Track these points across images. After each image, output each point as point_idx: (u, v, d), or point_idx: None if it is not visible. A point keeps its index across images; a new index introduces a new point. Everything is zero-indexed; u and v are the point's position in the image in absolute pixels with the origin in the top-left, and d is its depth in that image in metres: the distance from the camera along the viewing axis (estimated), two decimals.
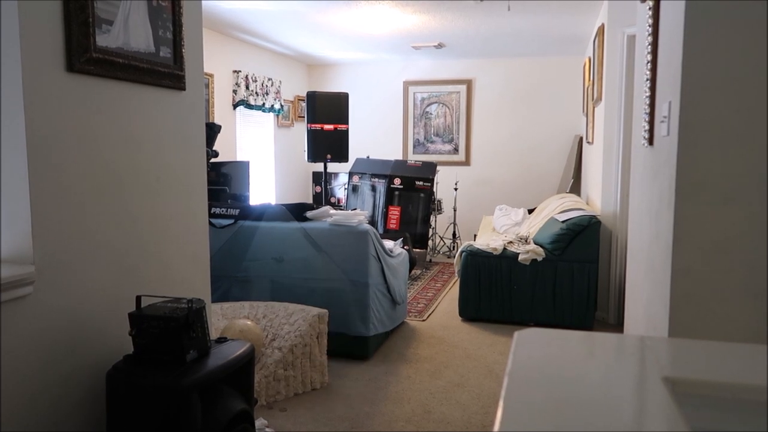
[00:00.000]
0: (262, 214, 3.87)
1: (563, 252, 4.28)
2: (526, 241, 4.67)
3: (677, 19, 1.79)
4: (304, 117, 6.97)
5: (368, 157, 7.07)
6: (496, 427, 0.68)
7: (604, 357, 1.01)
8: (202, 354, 1.85)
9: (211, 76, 5.77)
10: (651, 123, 2.17)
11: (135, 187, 2.00)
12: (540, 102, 7.32)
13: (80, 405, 1.81)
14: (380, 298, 3.74)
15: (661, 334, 1.86)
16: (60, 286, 1.72)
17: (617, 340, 1.13)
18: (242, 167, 5.87)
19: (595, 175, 5.07)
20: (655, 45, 2.15)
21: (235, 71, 6.20)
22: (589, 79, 5.59)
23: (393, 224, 6.42)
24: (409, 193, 6.45)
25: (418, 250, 6.20)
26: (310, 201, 7.50)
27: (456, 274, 5.06)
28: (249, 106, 6.43)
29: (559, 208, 4.85)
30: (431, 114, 7.74)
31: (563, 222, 4.35)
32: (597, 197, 4.76)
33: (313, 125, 6.36)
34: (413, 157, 7.73)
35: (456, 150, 7.68)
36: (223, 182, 5.46)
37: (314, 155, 6.39)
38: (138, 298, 1.86)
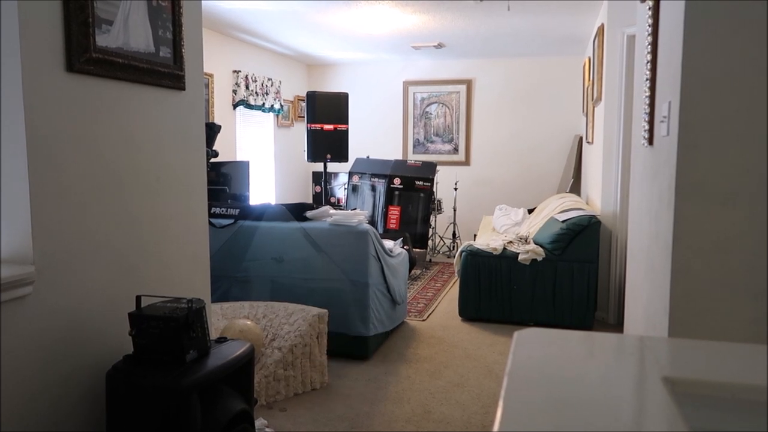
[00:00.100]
0: (261, 214, 3.87)
1: (563, 252, 4.28)
2: (526, 241, 4.67)
3: (677, 19, 1.79)
4: (303, 117, 6.97)
5: (368, 157, 7.07)
6: (496, 427, 0.68)
7: (603, 357, 1.01)
8: (202, 354, 1.85)
9: (211, 76, 5.77)
10: (651, 123, 2.17)
11: (135, 187, 2.00)
12: (540, 102, 7.32)
13: (80, 405, 1.81)
14: (380, 298, 3.74)
15: (661, 334, 1.86)
16: (60, 286, 1.72)
17: (617, 340, 1.13)
18: (242, 167, 5.87)
19: (594, 175, 5.07)
20: (654, 45, 2.15)
21: (235, 71, 6.21)
22: (589, 79, 5.59)
23: (393, 224, 6.42)
24: (409, 193, 6.45)
25: (417, 250, 6.20)
26: (310, 201, 7.50)
27: (456, 274, 5.06)
28: (249, 106, 6.43)
29: (559, 208, 4.85)
30: (431, 114, 7.74)
31: (563, 222, 4.35)
32: (597, 197, 4.76)
33: (312, 125, 6.36)
34: (413, 157, 7.73)
35: (456, 150, 7.68)
36: (223, 182, 5.46)
37: (314, 155, 6.39)
38: (138, 298, 1.86)
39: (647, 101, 2.20)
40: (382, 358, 3.72)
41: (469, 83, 7.55)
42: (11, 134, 1.60)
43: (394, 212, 6.45)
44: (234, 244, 3.82)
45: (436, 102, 7.71)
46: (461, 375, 3.46)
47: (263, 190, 7.03)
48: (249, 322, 3.04)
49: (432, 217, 6.74)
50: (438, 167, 6.74)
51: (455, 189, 7.11)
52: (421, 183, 6.42)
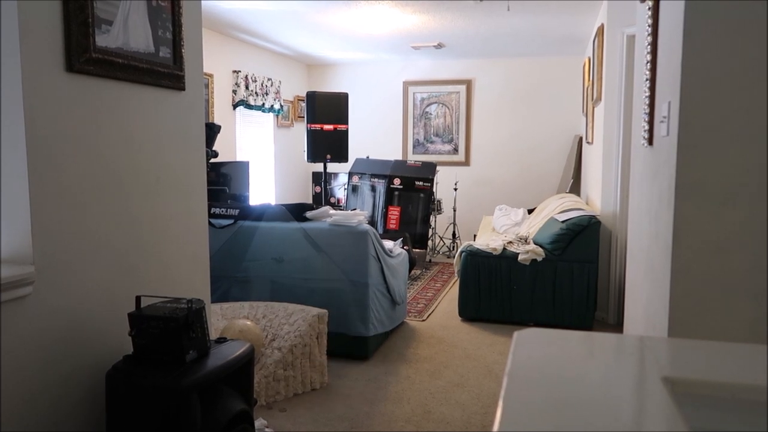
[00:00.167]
0: (261, 214, 3.87)
1: (563, 252, 4.28)
2: (525, 241, 4.67)
3: (677, 19, 1.79)
4: (303, 117, 6.97)
5: (368, 157, 7.07)
6: (496, 427, 0.68)
7: (603, 357, 1.01)
8: (202, 354, 1.85)
9: (211, 76, 5.77)
10: (650, 123, 2.17)
11: (135, 187, 2.00)
12: (540, 102, 7.32)
13: (80, 405, 1.81)
14: (380, 298, 3.74)
15: (661, 334, 1.86)
16: (60, 286, 1.72)
17: (617, 340, 1.13)
18: (242, 167, 5.87)
19: (594, 175, 5.08)
20: (654, 45, 2.15)
21: (234, 71, 6.20)
22: (589, 79, 5.59)
23: (393, 224, 6.42)
24: (409, 193, 6.45)
25: (417, 250, 6.20)
26: (310, 201, 7.50)
27: (456, 274, 5.07)
28: (249, 106, 6.43)
29: (558, 208, 4.85)
30: (431, 114, 7.74)
31: (563, 222, 4.35)
32: (597, 197, 4.76)
33: (312, 125, 6.36)
34: (413, 158, 7.73)
35: (456, 150, 7.68)
36: (223, 182, 5.46)
37: (314, 155, 6.39)
38: (138, 299, 1.86)
39: (647, 101, 2.20)
40: (382, 358, 3.72)
41: (468, 83, 7.55)
42: (11, 134, 1.60)
43: (394, 212, 6.45)
44: (234, 245, 3.82)
45: (435, 102, 7.71)
46: (461, 375, 3.46)
47: (263, 190, 7.03)
48: (249, 323, 3.04)
49: (432, 218, 6.74)
50: (438, 167, 6.74)
51: (455, 189, 7.11)
52: (420, 183, 6.43)
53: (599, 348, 1.05)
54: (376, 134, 7.92)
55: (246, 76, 6.34)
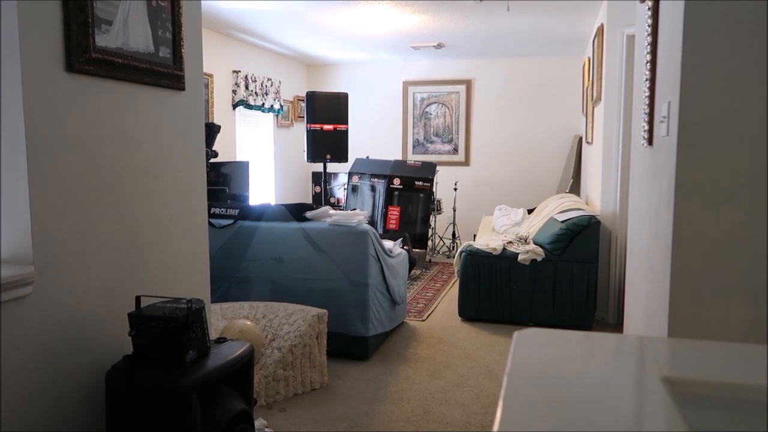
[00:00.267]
0: (261, 214, 3.87)
1: (563, 252, 4.28)
2: (525, 241, 4.67)
3: (676, 19, 1.79)
4: (303, 117, 6.96)
5: (368, 157, 7.07)
6: (496, 427, 0.68)
7: (603, 357, 1.01)
8: (202, 354, 1.85)
9: (211, 76, 5.77)
10: (650, 123, 2.17)
11: (134, 187, 2.00)
12: (539, 102, 7.32)
13: (79, 405, 1.81)
14: (380, 298, 3.74)
15: (661, 334, 1.86)
16: (59, 286, 1.72)
17: (616, 340, 1.13)
18: (242, 167, 5.87)
19: (594, 175, 5.08)
20: (654, 45, 2.15)
21: (234, 71, 6.20)
22: (589, 80, 5.59)
23: (392, 224, 6.42)
24: (409, 193, 6.45)
25: (417, 250, 6.20)
26: (310, 201, 7.50)
27: (455, 274, 5.06)
28: (248, 106, 6.43)
29: (558, 208, 4.85)
30: (431, 114, 7.74)
31: (563, 222, 4.35)
32: (596, 197, 4.76)
33: (312, 125, 6.36)
34: (413, 158, 7.73)
35: (455, 150, 7.68)
36: (223, 182, 5.46)
37: (314, 155, 6.39)
38: (137, 299, 1.86)
39: (647, 101, 2.20)
40: (382, 358, 3.72)
41: (468, 83, 7.55)
42: (11, 134, 1.60)
43: (394, 212, 6.45)
44: (234, 245, 3.82)
45: (435, 102, 7.71)
46: (461, 375, 3.46)
47: (263, 190, 7.03)
48: (249, 323, 3.04)
49: (432, 218, 6.74)
50: (438, 167, 6.74)
51: (455, 189, 7.11)
52: (420, 183, 6.43)
53: (599, 348, 1.05)
54: (375, 134, 7.92)
55: (246, 76, 6.34)
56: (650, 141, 2.18)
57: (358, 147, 7.60)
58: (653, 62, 2.16)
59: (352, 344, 3.63)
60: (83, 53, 1.73)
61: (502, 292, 4.41)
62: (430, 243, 6.83)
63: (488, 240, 4.87)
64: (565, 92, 7.19)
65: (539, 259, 4.31)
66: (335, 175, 7.59)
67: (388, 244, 4.09)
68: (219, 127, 4.48)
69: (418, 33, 5.91)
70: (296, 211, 3.84)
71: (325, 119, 6.40)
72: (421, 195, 6.41)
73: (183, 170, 2.25)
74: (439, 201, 6.94)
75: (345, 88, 7.66)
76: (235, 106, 6.24)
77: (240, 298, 3.75)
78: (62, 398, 1.75)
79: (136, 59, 1.94)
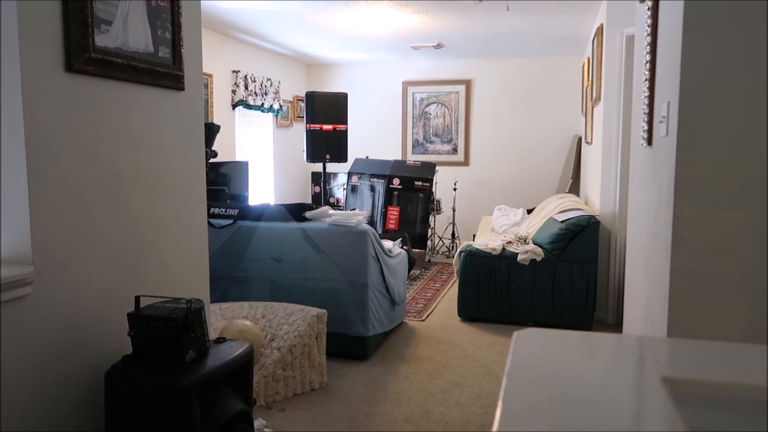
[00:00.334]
0: (261, 214, 3.87)
1: (562, 252, 4.28)
2: (525, 241, 4.67)
3: (676, 20, 1.79)
4: (303, 117, 6.96)
5: (367, 157, 7.07)
6: (495, 427, 0.68)
7: (602, 357, 1.01)
8: (201, 354, 1.85)
9: (210, 76, 5.77)
10: (650, 123, 2.17)
11: (134, 187, 2.00)
12: (539, 102, 7.32)
13: (79, 405, 1.81)
14: (379, 298, 3.73)
15: (660, 334, 1.86)
16: (59, 286, 1.72)
17: (616, 340, 1.13)
18: (241, 167, 5.87)
19: (594, 175, 5.08)
20: (653, 45, 2.15)
21: (234, 71, 6.20)
22: (588, 80, 5.60)
23: (392, 224, 6.42)
24: (408, 193, 6.45)
25: (417, 250, 6.20)
26: (309, 201, 7.50)
27: (455, 274, 5.06)
28: (248, 106, 6.43)
29: (558, 208, 4.85)
30: (430, 114, 7.74)
31: (562, 222, 4.35)
32: (596, 197, 4.77)
33: (312, 125, 6.36)
34: (412, 158, 7.73)
35: (455, 150, 7.68)
36: (222, 182, 5.46)
37: (313, 155, 6.39)
38: (137, 299, 1.86)
39: (646, 101, 2.20)
40: (381, 358, 3.72)
41: (468, 83, 7.55)
42: (10, 134, 1.60)
43: (393, 212, 6.45)
44: (233, 245, 3.82)
45: (435, 102, 7.71)
46: (460, 375, 3.46)
47: (262, 190, 7.03)
48: (248, 323, 3.04)
49: (431, 218, 6.74)
50: (437, 167, 6.74)
51: (454, 189, 7.11)
52: (420, 183, 6.43)
53: (598, 348, 1.05)
54: (375, 134, 7.92)
55: (245, 76, 6.34)
56: (650, 141, 2.18)
57: (358, 147, 7.60)
58: (653, 62, 2.16)
59: (351, 344, 3.63)
60: (83, 53, 1.73)
61: (502, 292, 4.42)
62: (429, 243, 6.83)
63: (488, 240, 4.87)
64: (565, 92, 7.19)
65: (539, 259, 4.32)
66: (335, 175, 7.59)
67: (387, 244, 4.09)
68: (218, 127, 4.47)
69: (417, 33, 5.91)
70: (296, 211, 3.84)
71: (324, 119, 6.40)
72: (421, 195, 6.41)
73: (183, 170, 2.25)
74: (438, 201, 6.94)
75: (344, 88, 7.66)
76: (234, 106, 6.24)
77: (239, 298, 3.75)
78: (62, 398, 1.75)
79: (136, 59, 1.94)
